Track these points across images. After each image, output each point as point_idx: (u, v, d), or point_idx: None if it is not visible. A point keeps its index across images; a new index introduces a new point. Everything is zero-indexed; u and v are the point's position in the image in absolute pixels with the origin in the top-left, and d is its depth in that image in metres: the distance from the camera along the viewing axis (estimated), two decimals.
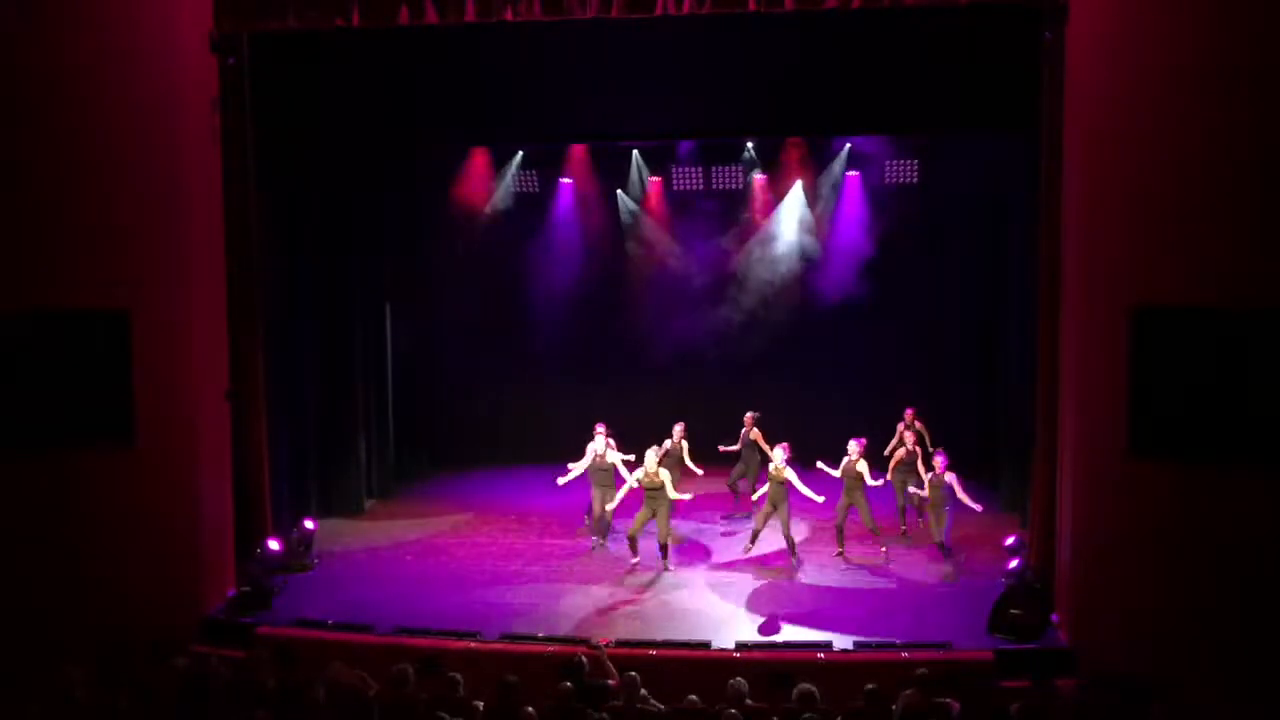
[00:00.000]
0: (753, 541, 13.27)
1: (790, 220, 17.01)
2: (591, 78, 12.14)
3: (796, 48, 11.62)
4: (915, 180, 16.50)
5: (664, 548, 12.66)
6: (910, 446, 13.91)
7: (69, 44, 11.07)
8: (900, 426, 14.51)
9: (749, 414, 14.79)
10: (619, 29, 11.34)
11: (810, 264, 16.98)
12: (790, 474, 12.67)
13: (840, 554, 13.06)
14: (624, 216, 17.46)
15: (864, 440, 13.13)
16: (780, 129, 14.70)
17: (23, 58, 11.10)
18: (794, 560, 12.86)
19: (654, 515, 12.60)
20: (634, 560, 12.75)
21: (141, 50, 11.09)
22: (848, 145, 16.27)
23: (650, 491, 12.57)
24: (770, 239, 17.09)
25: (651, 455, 12.77)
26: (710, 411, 15.56)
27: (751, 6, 10.93)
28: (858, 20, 11.23)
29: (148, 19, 11.12)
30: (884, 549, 13.14)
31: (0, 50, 11.12)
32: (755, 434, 14.61)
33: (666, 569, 12.62)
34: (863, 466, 12.86)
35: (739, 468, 14.85)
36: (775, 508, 12.76)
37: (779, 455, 12.84)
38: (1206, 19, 9.82)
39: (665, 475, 12.60)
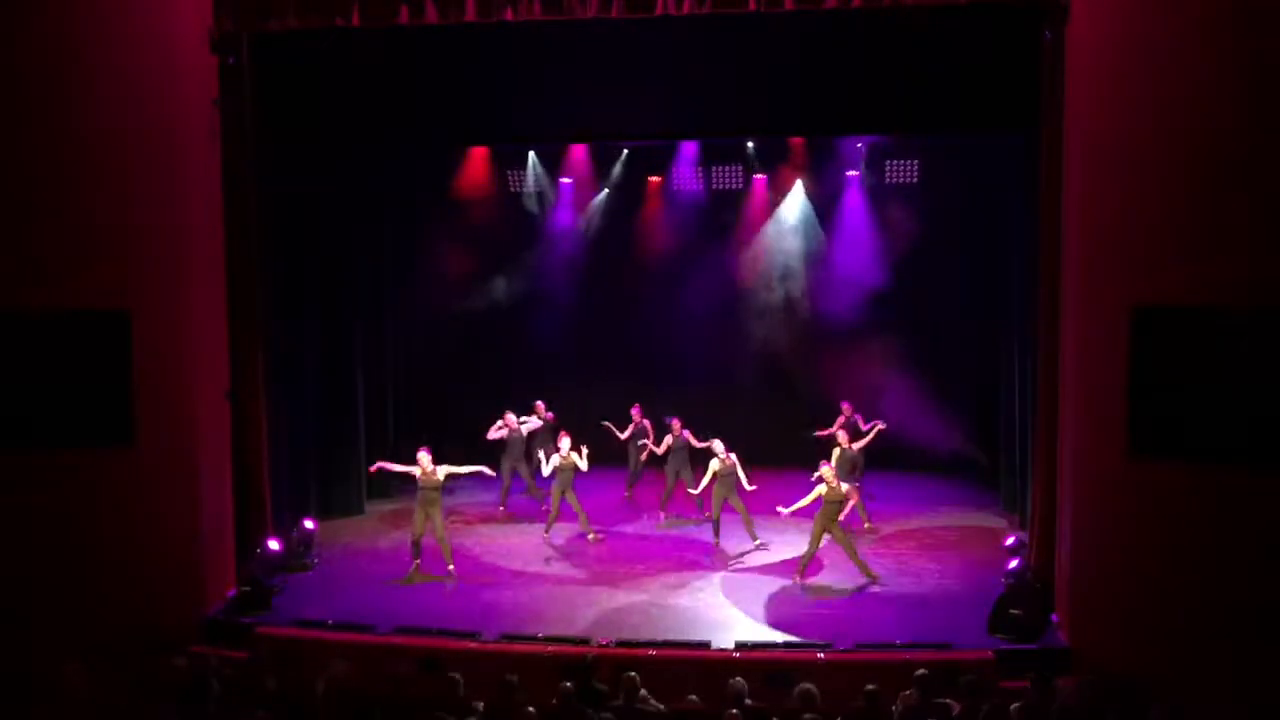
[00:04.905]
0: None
1: (791, 223, 17.10)
2: (591, 78, 12.13)
3: (796, 48, 11.61)
4: (915, 180, 16.52)
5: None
6: (846, 444, 13.75)
7: (69, 44, 11.06)
8: (840, 420, 14.56)
9: (675, 419, 14.72)
10: (619, 29, 11.35)
11: (809, 266, 17.06)
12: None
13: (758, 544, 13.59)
14: (600, 213, 17.66)
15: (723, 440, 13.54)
16: (780, 129, 14.69)
17: (23, 58, 11.09)
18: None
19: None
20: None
21: (142, 50, 11.09)
22: (859, 144, 16.28)
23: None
24: (769, 241, 17.16)
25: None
26: (708, 410, 15.54)
27: (751, 6, 10.95)
28: (858, 20, 11.24)
29: (148, 19, 11.12)
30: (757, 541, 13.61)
31: (0, 50, 11.12)
32: (686, 436, 14.55)
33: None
34: (734, 459, 13.40)
35: (670, 473, 14.69)
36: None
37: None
38: (1206, 19, 9.81)
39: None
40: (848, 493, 12.33)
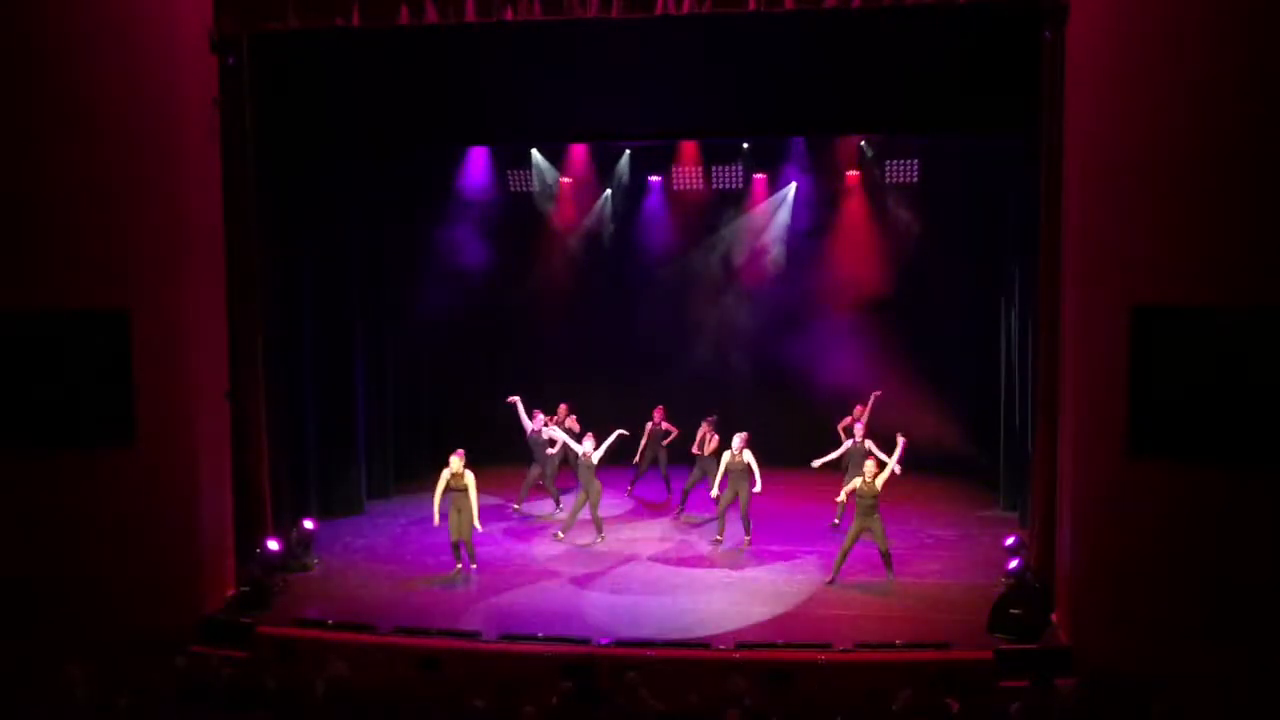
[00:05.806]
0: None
1: (778, 222, 17.18)
2: (592, 78, 12.13)
3: (796, 48, 11.61)
4: (915, 180, 16.53)
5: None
6: (859, 439, 13.74)
7: (69, 44, 11.07)
8: (849, 419, 14.53)
9: (706, 420, 14.69)
10: (619, 29, 11.35)
11: (807, 265, 17.11)
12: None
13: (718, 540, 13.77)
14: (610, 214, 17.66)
15: (746, 434, 13.54)
16: (780, 129, 14.70)
17: (23, 58, 11.11)
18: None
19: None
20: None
21: (142, 50, 11.11)
22: (861, 144, 16.28)
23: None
24: (762, 239, 17.21)
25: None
26: (709, 408, 15.54)
27: (751, 6, 10.97)
28: (858, 20, 11.23)
29: (148, 19, 11.14)
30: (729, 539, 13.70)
31: (1, 51, 11.12)
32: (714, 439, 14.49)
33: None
34: (748, 457, 13.35)
35: (695, 472, 14.70)
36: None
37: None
38: (1206, 19, 9.82)
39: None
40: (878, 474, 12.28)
